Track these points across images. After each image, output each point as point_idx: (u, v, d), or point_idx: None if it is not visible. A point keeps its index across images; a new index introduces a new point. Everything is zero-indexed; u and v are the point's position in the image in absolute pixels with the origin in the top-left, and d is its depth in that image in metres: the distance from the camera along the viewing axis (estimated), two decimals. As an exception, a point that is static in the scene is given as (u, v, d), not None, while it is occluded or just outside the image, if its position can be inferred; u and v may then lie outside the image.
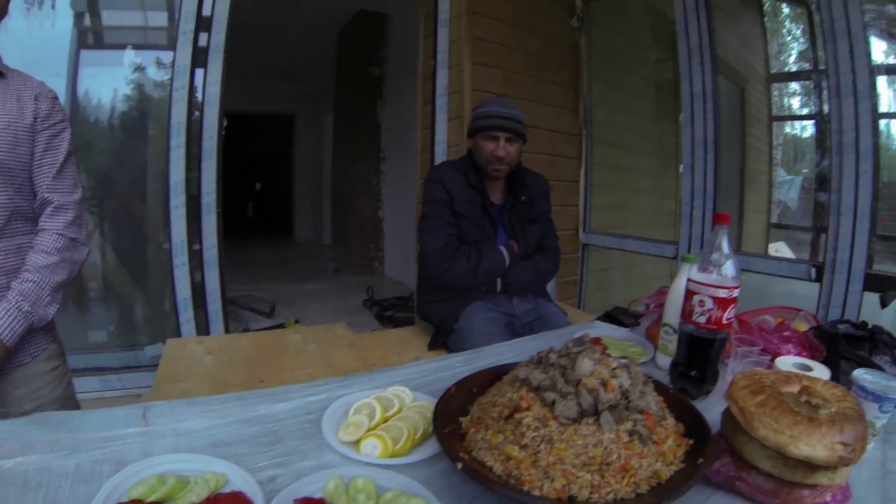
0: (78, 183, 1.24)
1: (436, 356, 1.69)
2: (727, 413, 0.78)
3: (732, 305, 0.96)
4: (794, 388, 0.80)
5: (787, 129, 3.76)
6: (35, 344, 1.21)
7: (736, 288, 0.96)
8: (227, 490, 0.67)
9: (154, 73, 2.32)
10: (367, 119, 5.58)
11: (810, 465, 0.68)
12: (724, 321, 0.96)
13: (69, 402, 1.29)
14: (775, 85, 3.61)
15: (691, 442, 0.73)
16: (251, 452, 0.78)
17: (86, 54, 2.21)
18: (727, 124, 3.16)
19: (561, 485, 0.61)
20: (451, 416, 0.76)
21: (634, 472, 0.63)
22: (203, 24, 2.19)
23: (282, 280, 5.25)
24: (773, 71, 3.49)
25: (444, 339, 1.84)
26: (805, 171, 3.65)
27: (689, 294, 0.99)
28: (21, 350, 1.16)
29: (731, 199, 3.26)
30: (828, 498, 0.71)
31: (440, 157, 2.72)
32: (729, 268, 0.96)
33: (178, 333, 2.26)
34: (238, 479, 0.69)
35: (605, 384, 0.68)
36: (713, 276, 0.96)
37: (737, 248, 2.92)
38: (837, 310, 2.00)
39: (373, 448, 0.77)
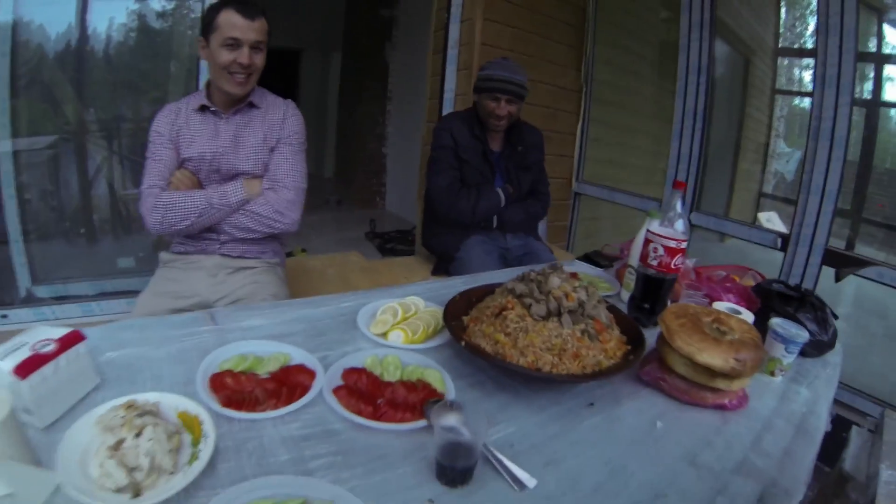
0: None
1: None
2: (660, 332, 1.03)
3: (680, 254, 1.19)
4: (710, 319, 1.04)
5: (796, 102, 3.74)
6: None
7: (684, 241, 1.18)
8: (293, 364, 0.89)
9: (163, 4, 2.27)
10: (376, 59, 5.58)
11: (711, 372, 0.91)
12: (673, 266, 1.19)
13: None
14: (782, 59, 3.60)
15: (629, 347, 0.99)
16: (304, 341, 0.98)
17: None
18: (728, 94, 3.21)
19: (531, 360, 0.88)
20: (456, 315, 1.03)
21: (583, 359, 0.90)
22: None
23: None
24: (783, 44, 3.47)
25: (446, 267, 2.10)
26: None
27: (646, 242, 1.22)
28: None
29: (723, 167, 3.36)
30: (726, 401, 0.95)
31: (448, 103, 2.84)
32: (680, 224, 1.18)
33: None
34: (300, 357, 0.91)
35: (567, 295, 0.95)
36: (667, 230, 1.19)
37: (725, 213, 3.10)
38: (797, 278, 2.16)
39: (397, 337, 1.03)
